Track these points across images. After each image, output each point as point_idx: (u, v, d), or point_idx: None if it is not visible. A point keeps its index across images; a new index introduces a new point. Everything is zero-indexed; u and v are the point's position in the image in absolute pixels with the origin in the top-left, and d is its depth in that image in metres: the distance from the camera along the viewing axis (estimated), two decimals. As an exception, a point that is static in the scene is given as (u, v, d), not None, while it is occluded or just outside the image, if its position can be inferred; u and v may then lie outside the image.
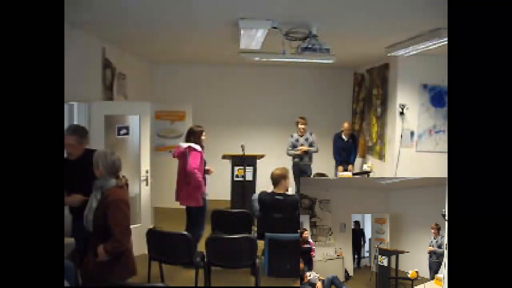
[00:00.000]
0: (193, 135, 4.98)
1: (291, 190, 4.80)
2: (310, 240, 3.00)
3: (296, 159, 6.90)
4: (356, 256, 3.16)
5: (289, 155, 6.97)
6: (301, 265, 2.97)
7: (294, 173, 6.74)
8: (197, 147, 4.89)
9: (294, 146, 6.94)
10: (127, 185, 3.20)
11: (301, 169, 6.83)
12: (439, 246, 2.82)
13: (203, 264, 3.96)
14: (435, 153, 6.13)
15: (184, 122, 7.68)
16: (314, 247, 2.99)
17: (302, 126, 6.90)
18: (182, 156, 4.93)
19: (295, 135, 6.98)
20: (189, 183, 4.86)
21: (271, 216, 4.34)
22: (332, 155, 7.30)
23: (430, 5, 3.32)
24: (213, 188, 8.09)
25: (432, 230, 2.85)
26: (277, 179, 4.45)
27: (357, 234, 3.14)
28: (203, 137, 5.04)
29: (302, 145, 6.85)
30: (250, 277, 4.30)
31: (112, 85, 5.64)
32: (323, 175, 7.03)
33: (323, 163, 7.35)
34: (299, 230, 3.08)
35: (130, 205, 3.14)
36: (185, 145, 4.92)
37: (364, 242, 3.16)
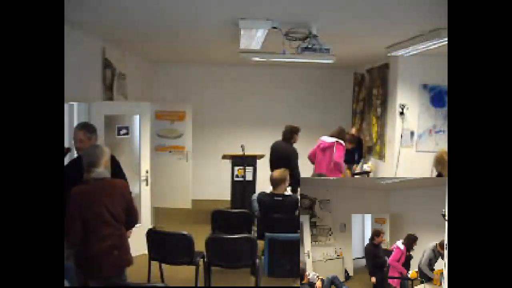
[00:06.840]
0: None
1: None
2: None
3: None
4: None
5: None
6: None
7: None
8: (342, 142, 5.93)
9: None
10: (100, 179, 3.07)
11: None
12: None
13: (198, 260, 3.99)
14: (435, 153, 6.11)
15: (184, 122, 7.68)
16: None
17: None
18: (329, 148, 5.92)
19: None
20: (331, 170, 5.78)
21: (271, 216, 4.34)
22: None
23: (430, 5, 3.32)
24: (213, 188, 8.14)
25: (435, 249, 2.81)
26: (276, 181, 4.47)
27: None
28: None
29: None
30: (250, 277, 4.30)
31: (112, 85, 5.63)
32: (322, 175, 7.06)
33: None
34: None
35: None
36: (330, 139, 5.88)
37: None
